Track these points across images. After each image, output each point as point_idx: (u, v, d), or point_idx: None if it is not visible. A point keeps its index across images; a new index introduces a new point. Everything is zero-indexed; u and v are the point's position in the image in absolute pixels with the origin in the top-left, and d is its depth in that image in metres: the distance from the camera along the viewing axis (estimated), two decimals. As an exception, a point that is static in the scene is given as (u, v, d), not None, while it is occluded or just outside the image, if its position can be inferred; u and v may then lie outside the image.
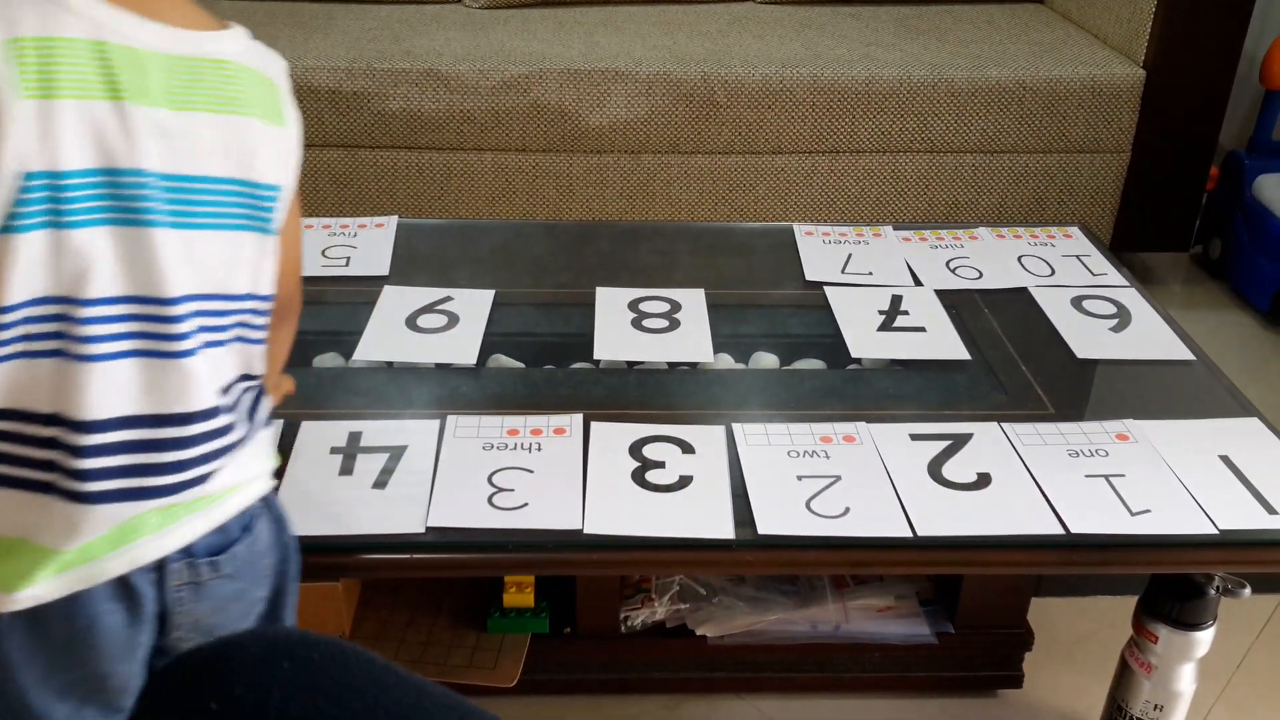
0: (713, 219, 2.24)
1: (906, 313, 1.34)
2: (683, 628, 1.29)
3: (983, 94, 2.15)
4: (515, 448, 1.07)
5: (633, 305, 1.34)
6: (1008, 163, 2.23)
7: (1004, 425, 1.13)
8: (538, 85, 2.13)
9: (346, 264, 1.42)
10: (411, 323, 1.29)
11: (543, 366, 1.26)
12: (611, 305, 1.34)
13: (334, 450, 1.05)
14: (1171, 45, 2.15)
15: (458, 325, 1.29)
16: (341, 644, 0.73)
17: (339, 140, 2.16)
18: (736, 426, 1.10)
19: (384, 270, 1.41)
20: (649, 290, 1.37)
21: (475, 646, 1.26)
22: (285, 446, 1.04)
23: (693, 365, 1.25)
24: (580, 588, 1.25)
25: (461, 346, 1.25)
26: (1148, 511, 1.01)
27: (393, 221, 1.53)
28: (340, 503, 0.98)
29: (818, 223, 1.61)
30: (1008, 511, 1.01)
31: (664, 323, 1.31)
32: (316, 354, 1.27)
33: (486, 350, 1.26)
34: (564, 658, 1.30)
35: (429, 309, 1.33)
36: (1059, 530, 0.99)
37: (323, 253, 1.44)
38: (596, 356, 1.25)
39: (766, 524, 0.97)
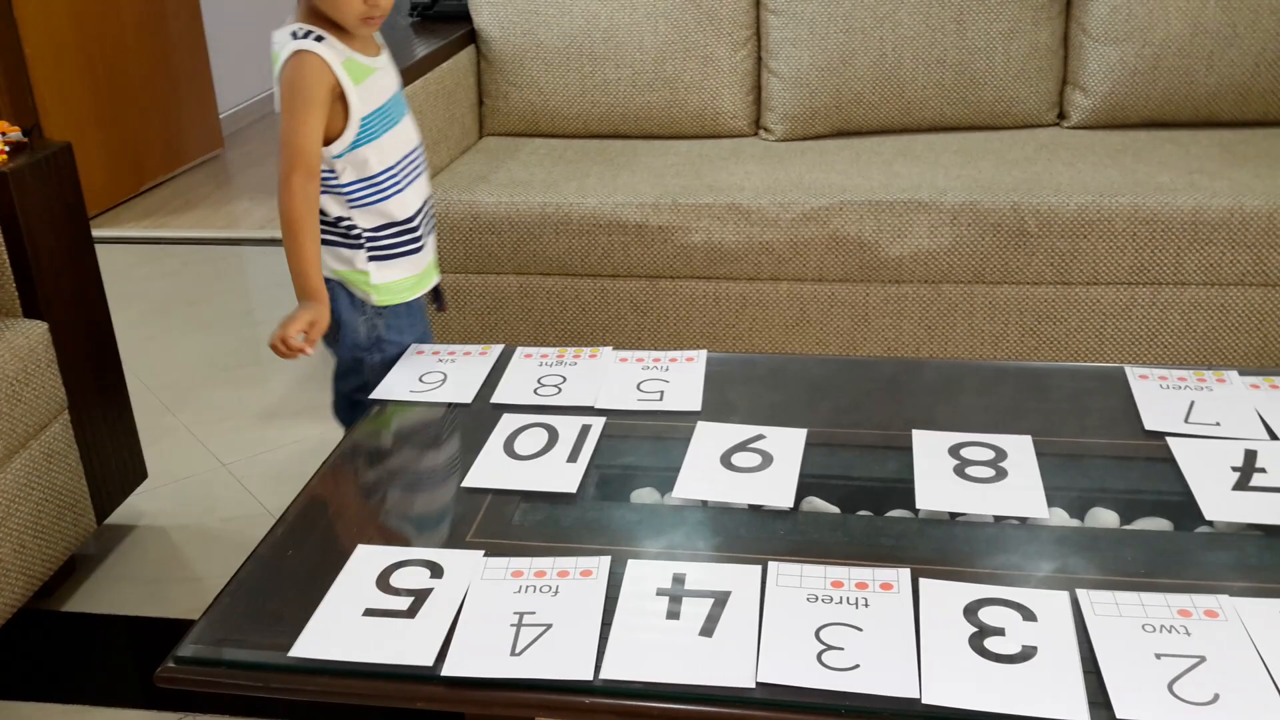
0: (1019, 352, 2.16)
1: (1263, 470, 1.22)
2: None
3: (1327, 224, 1.99)
4: (841, 601, 1.03)
5: (954, 451, 1.29)
6: (1356, 297, 2.04)
7: (1394, 608, 1.00)
8: (838, 217, 2.13)
9: (660, 398, 1.44)
10: (726, 461, 1.29)
11: (858, 512, 1.23)
12: (931, 450, 1.30)
13: (660, 591, 1.05)
14: None
15: (772, 465, 1.28)
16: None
17: (643, 271, 2.23)
18: (1081, 593, 1.03)
19: (696, 405, 1.42)
20: (971, 435, 1.32)
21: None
22: (612, 584, 1.05)
23: (1022, 520, 1.18)
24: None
25: (777, 488, 1.23)
26: None
27: (703, 356, 1.54)
28: (668, 648, 0.97)
29: (1137, 359, 1.51)
30: None
31: (989, 471, 1.25)
32: (634, 488, 1.28)
33: (800, 492, 1.24)
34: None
35: (742, 447, 1.32)
36: None
37: (637, 386, 1.46)
38: (919, 506, 1.20)
39: (1125, 708, 0.89)
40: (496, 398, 1.44)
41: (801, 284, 2.20)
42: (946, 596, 1.03)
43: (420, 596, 1.05)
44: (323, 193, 1.54)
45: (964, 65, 2.43)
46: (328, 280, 1.56)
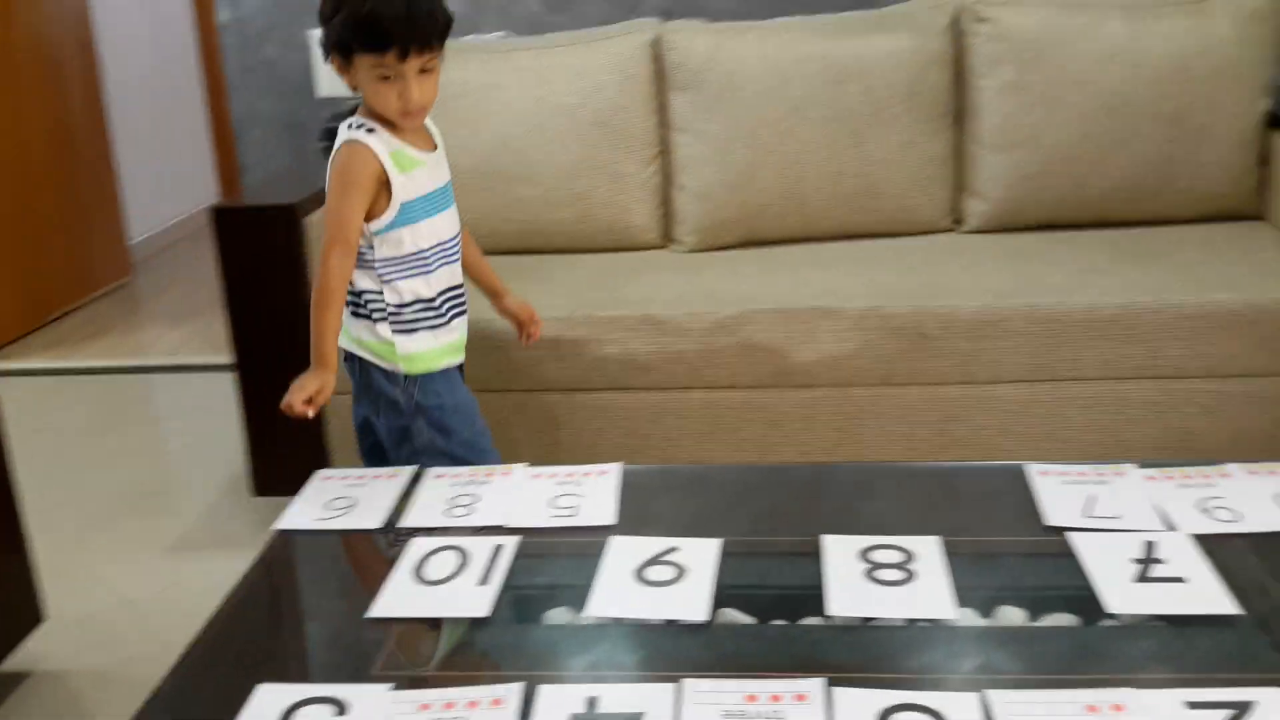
0: (928, 451, 2.19)
1: (1162, 561, 1.25)
2: None
3: (1214, 318, 2.07)
4: (756, 716, 1.02)
5: (864, 554, 1.30)
6: (1244, 387, 2.12)
7: (1293, 692, 1.02)
8: (748, 325, 2.17)
9: (575, 514, 1.43)
10: (640, 575, 1.28)
11: (773, 622, 1.23)
12: (841, 554, 1.30)
13: (574, 718, 1.03)
14: None
15: (686, 577, 1.27)
16: None
17: (558, 385, 2.24)
18: (992, 694, 1.03)
19: (611, 519, 1.42)
20: (880, 538, 1.33)
21: None
22: (525, 713, 1.03)
23: (933, 621, 1.19)
24: None
25: (692, 601, 1.23)
26: None
27: (617, 469, 1.54)
28: (581, 776, 0.96)
29: (1042, 454, 1.55)
30: (1316, 801, 0.89)
31: (899, 574, 1.26)
32: (549, 608, 1.27)
33: (717, 603, 1.24)
34: None
35: (656, 560, 1.31)
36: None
37: (551, 502, 1.46)
38: (830, 612, 1.20)
39: (1037, 811, 0.89)
40: (406, 521, 1.42)
41: (715, 392, 2.22)
42: (859, 704, 1.03)
43: (325, 735, 1.02)
44: (357, 267, 1.71)
45: (863, 176, 2.51)
46: (360, 359, 1.77)
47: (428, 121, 1.80)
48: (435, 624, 1.21)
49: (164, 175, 4.74)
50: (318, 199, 2.30)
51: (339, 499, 1.48)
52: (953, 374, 2.14)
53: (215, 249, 2.20)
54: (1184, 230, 2.46)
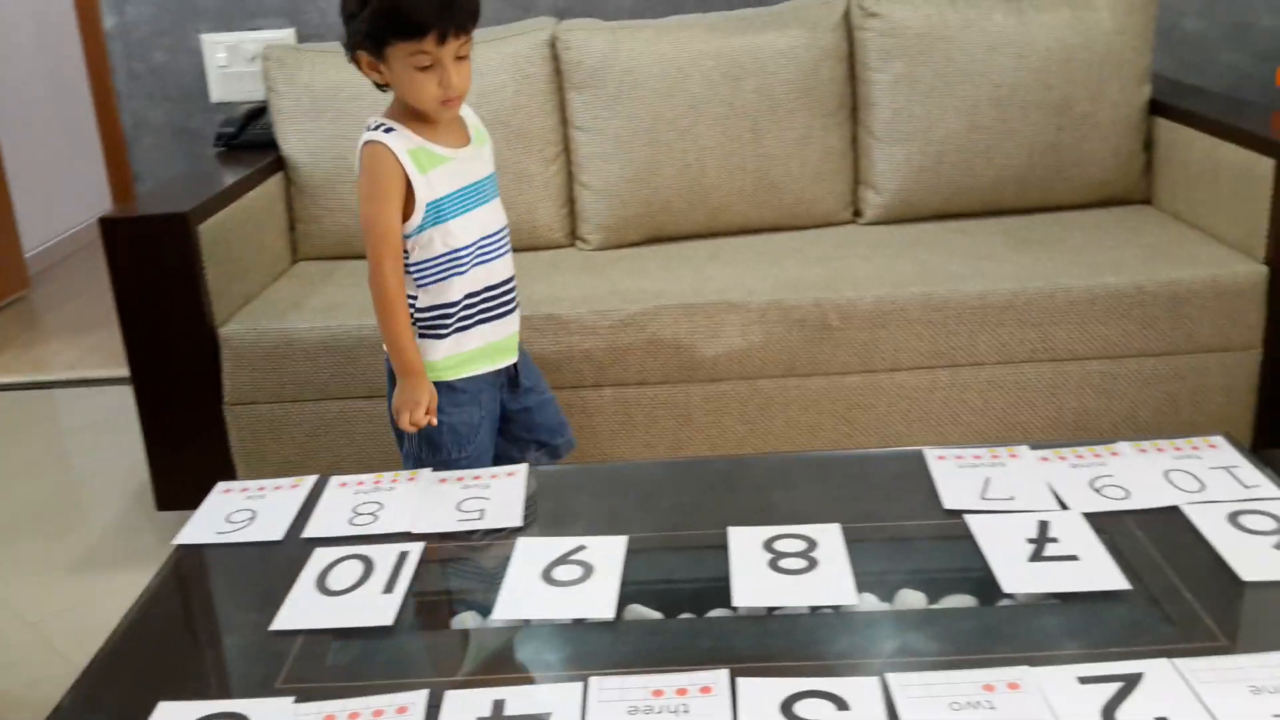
0: (833, 440, 2.23)
1: (1056, 540, 1.29)
2: None
3: (1102, 300, 2.13)
4: (661, 710, 1.03)
5: (767, 545, 1.32)
6: (1134, 367, 2.19)
7: (1176, 661, 1.06)
8: (654, 321, 2.18)
9: (481, 516, 1.43)
10: (548, 576, 1.28)
11: (680, 616, 1.24)
12: (746, 546, 1.32)
13: (480, 722, 1.03)
14: (1292, 239, 2.12)
15: (592, 576, 1.28)
16: None
17: (465, 387, 2.22)
18: (891, 677, 1.05)
19: (518, 521, 1.42)
20: (783, 528, 1.35)
21: None
22: (433, 717, 1.03)
23: (835, 608, 1.21)
24: None
25: (598, 599, 1.23)
26: (1355, 757, 0.93)
27: (523, 470, 1.54)
28: (488, 780, 0.96)
29: (943, 438, 1.59)
30: (1198, 764, 0.93)
31: (802, 563, 1.28)
32: (456, 614, 1.26)
33: (623, 600, 1.25)
34: None
35: (564, 560, 1.32)
36: (1258, 784, 0.91)
37: (457, 506, 1.45)
38: (735, 603, 1.22)
39: (935, 789, 0.91)
40: (308, 532, 1.40)
41: (624, 389, 2.23)
42: (763, 694, 1.04)
43: (227, 752, 1.00)
44: None
45: (763, 171, 2.54)
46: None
47: (467, 111, 1.74)
48: (340, 634, 1.19)
49: (57, 185, 4.60)
50: (212, 206, 2.26)
51: (240, 511, 1.46)
52: (854, 363, 2.18)
53: (107, 260, 2.14)
54: (1073, 216, 2.53)
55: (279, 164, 2.61)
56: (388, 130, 1.65)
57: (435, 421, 1.64)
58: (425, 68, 1.58)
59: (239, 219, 2.35)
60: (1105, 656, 1.09)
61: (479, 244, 1.72)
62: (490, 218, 1.75)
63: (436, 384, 1.71)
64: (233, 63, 3.03)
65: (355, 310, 2.24)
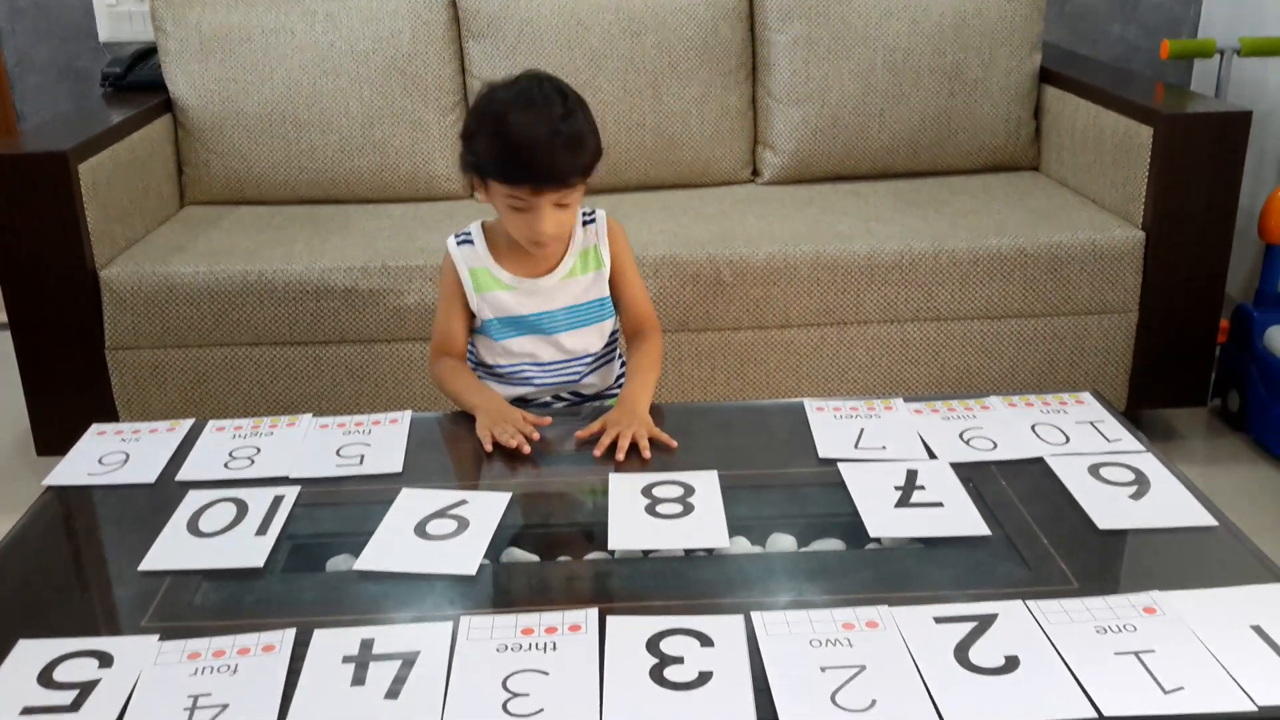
0: (726, 393, 2.26)
1: (923, 488, 1.33)
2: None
3: (985, 262, 2.19)
4: (530, 648, 1.05)
5: (646, 490, 1.34)
6: (1015, 327, 2.25)
7: (1029, 603, 1.10)
8: (548, 274, 2.17)
9: (361, 462, 1.42)
10: (421, 530, 1.27)
11: (558, 559, 1.25)
12: (625, 491, 1.34)
13: (346, 659, 1.03)
14: (1168, 206, 2.20)
15: (466, 531, 1.26)
16: None
17: (355, 336, 2.20)
18: (756, 615, 1.08)
19: (397, 468, 1.41)
20: (662, 475, 1.37)
21: None
22: (298, 658, 1.03)
23: (709, 551, 1.23)
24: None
25: (465, 556, 1.22)
26: (1181, 689, 0.98)
27: (407, 416, 1.54)
28: (353, 716, 0.96)
29: (831, 394, 1.61)
30: (1038, 696, 0.97)
31: (678, 508, 1.30)
32: (330, 556, 1.26)
33: (501, 545, 1.25)
34: None
35: (442, 514, 1.30)
36: (1091, 714, 0.95)
37: (337, 452, 1.44)
38: (611, 546, 1.24)
39: (790, 720, 0.94)
40: (182, 475, 1.38)
41: (518, 342, 2.22)
42: (630, 631, 1.06)
43: (86, 689, 0.99)
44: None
45: (662, 129, 2.54)
46: None
47: (591, 231, 1.67)
48: (210, 575, 1.18)
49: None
50: (95, 145, 2.19)
51: (113, 453, 1.43)
52: (746, 319, 2.21)
53: (-18, 199, 2.07)
54: (963, 180, 2.58)
55: (167, 105, 2.54)
56: (465, 240, 1.65)
57: (536, 436, 1.49)
58: (518, 209, 1.53)
59: (123, 160, 2.29)
60: (962, 598, 1.13)
61: (523, 369, 1.67)
62: (545, 349, 1.66)
63: None
64: (122, 1, 2.93)
65: (241, 256, 2.20)
